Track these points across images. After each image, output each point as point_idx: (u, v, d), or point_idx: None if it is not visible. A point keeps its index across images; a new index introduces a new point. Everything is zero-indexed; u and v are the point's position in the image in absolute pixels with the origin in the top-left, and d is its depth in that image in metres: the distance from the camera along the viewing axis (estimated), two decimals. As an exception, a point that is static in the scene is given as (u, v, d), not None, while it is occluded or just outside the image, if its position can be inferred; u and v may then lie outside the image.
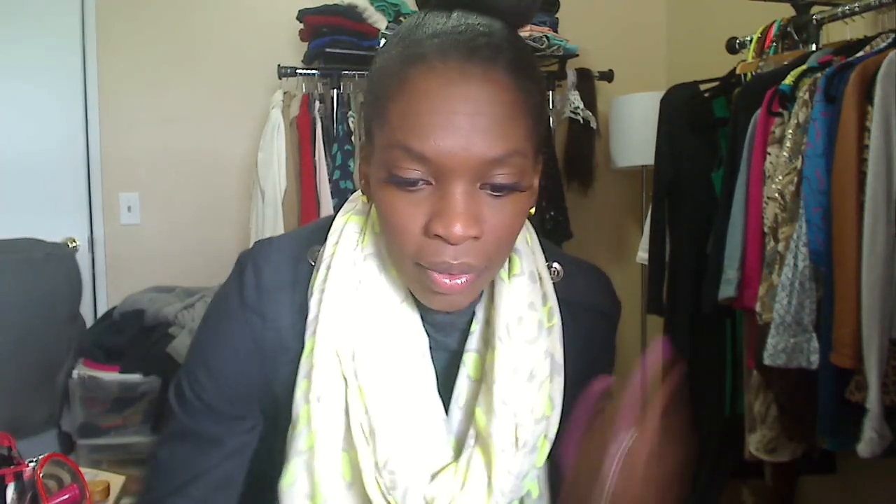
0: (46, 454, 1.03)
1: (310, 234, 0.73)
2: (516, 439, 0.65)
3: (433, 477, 0.65)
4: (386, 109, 0.59)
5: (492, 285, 0.70)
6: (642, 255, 2.39)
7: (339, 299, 0.66)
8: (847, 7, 1.78)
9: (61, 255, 2.40)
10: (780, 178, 1.66)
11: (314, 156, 2.42)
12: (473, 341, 0.70)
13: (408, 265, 0.61)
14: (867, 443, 1.47)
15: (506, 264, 0.69)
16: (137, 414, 2.34)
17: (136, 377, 2.29)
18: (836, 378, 1.56)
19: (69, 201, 2.64)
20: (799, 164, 1.62)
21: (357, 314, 0.66)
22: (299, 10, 2.55)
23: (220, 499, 0.71)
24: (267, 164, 2.43)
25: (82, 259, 2.62)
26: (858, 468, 1.86)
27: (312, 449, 0.65)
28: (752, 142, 1.77)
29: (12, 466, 0.98)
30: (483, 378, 0.68)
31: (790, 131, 1.66)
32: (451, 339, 0.71)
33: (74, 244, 2.61)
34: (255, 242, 0.75)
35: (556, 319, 0.71)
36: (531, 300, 0.69)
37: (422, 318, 0.69)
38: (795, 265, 1.60)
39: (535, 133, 0.61)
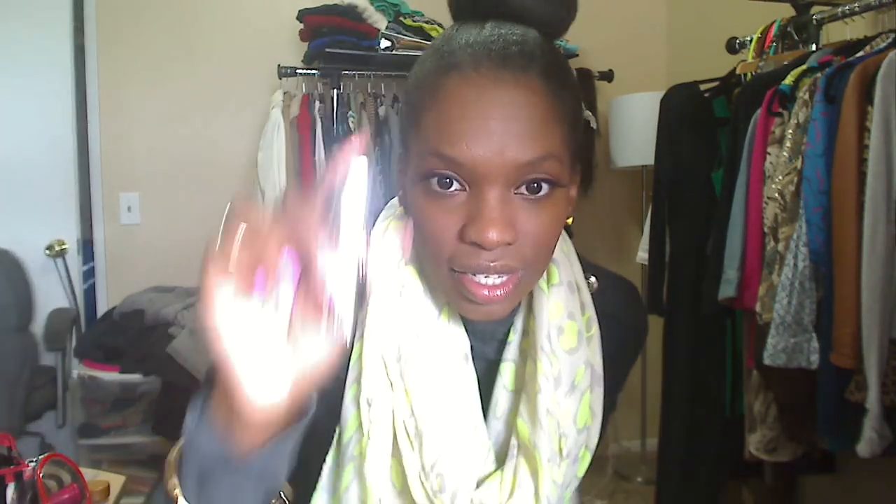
0: (46, 454, 1.03)
1: None
2: (560, 449, 0.66)
3: (478, 484, 0.66)
4: (420, 119, 0.60)
5: (530, 295, 0.69)
6: (642, 255, 2.39)
7: (384, 303, 0.66)
8: (847, 7, 1.78)
9: (3, 262, 2.35)
10: (780, 178, 1.66)
11: (314, 156, 2.43)
12: (511, 351, 0.70)
13: (443, 272, 0.61)
14: (867, 443, 1.47)
15: (544, 274, 0.69)
16: (137, 414, 2.35)
17: (136, 377, 2.29)
18: (836, 378, 1.56)
19: (58, 203, 2.61)
20: (799, 164, 1.62)
21: (401, 318, 0.66)
22: (299, 10, 2.55)
23: None
24: (267, 164, 2.43)
25: (72, 261, 2.60)
26: (858, 468, 1.86)
27: (363, 454, 0.64)
28: (752, 142, 1.77)
29: (12, 466, 0.98)
30: (524, 388, 0.67)
31: (790, 131, 1.66)
32: (488, 347, 0.71)
33: (63, 246, 2.58)
34: None
35: (595, 329, 0.71)
36: (570, 310, 0.69)
37: (464, 325, 0.69)
38: (795, 265, 1.60)
39: (570, 140, 0.61)
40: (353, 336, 0.67)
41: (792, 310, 1.60)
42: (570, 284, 0.71)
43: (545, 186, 0.59)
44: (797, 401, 1.72)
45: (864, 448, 1.48)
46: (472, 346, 0.69)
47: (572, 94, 0.62)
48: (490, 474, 0.66)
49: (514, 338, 0.70)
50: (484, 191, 0.58)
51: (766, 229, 1.69)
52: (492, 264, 0.59)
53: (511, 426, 0.67)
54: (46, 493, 0.99)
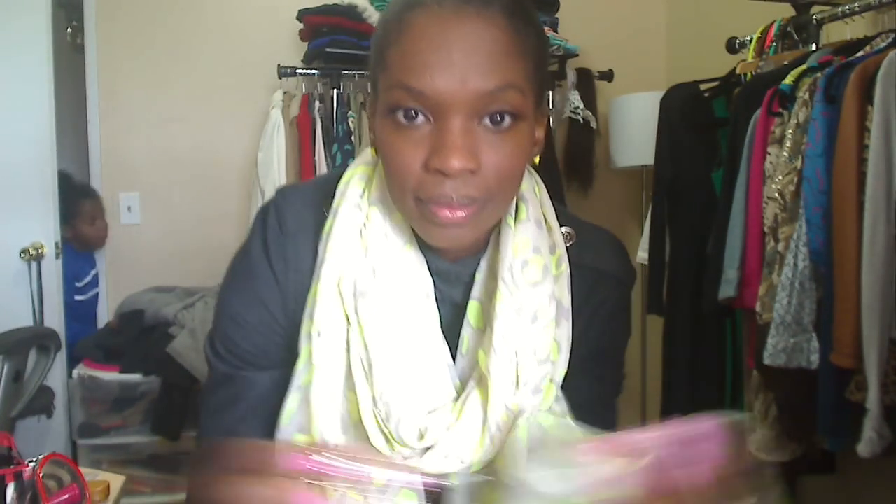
0: (46, 454, 1.03)
1: (325, 184, 0.75)
2: (517, 378, 0.67)
3: (430, 413, 0.67)
4: (386, 54, 0.62)
5: (497, 233, 0.71)
6: (642, 255, 2.39)
7: (343, 241, 0.68)
8: (847, 7, 1.78)
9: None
10: (780, 178, 1.66)
11: (314, 156, 2.42)
12: (476, 290, 0.72)
13: (409, 201, 0.63)
14: (867, 443, 1.47)
15: (513, 211, 0.71)
16: (137, 414, 2.34)
17: (135, 377, 2.29)
18: (836, 378, 1.55)
19: (37, 205, 2.50)
20: (799, 163, 1.62)
21: (360, 254, 0.68)
22: (299, 10, 2.55)
23: (266, 427, 0.72)
24: (267, 163, 2.43)
25: (49, 265, 2.50)
26: (858, 468, 1.86)
27: (310, 384, 0.67)
28: (752, 142, 1.77)
29: (12, 466, 0.98)
30: (486, 322, 0.69)
31: (790, 131, 1.66)
32: (455, 291, 0.73)
33: (40, 249, 2.49)
34: (278, 189, 0.77)
35: (565, 268, 0.72)
36: (536, 244, 0.71)
37: (428, 266, 0.71)
38: (795, 265, 1.60)
39: (534, 75, 0.63)
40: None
41: (792, 310, 1.60)
42: (538, 221, 0.72)
43: (507, 118, 0.61)
44: (797, 401, 1.72)
45: (864, 448, 1.48)
46: (439, 291, 0.71)
47: (536, 32, 0.64)
48: (443, 406, 0.69)
49: (480, 277, 0.72)
50: (447, 121, 0.59)
51: (766, 229, 1.69)
52: (454, 195, 0.60)
53: (475, 363, 0.70)
54: (46, 493, 0.99)
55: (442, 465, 0.67)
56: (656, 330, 2.29)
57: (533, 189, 0.75)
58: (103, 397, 2.31)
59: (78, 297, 2.67)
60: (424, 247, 0.71)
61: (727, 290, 1.79)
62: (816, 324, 1.60)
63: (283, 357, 0.72)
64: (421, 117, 0.61)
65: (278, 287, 0.72)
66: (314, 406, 0.66)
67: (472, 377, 0.69)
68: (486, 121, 0.61)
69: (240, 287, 0.73)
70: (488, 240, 0.73)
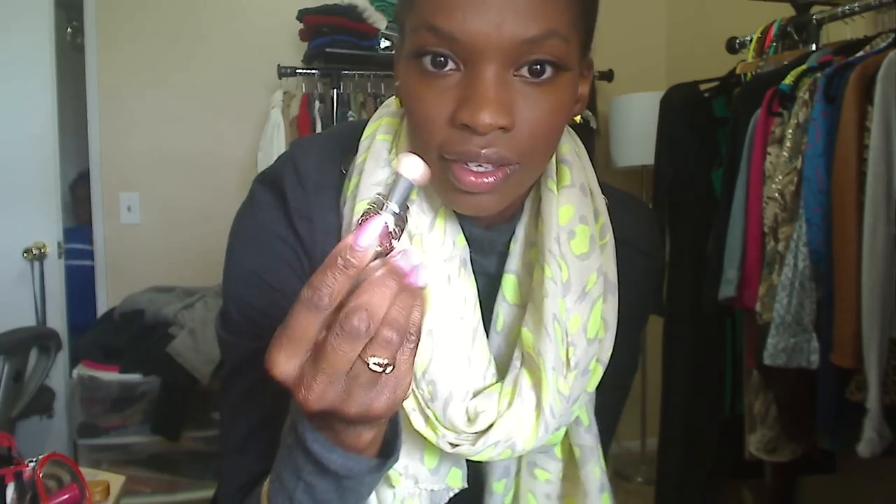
0: (47, 454, 1.03)
1: (344, 137, 0.68)
2: (567, 359, 0.61)
3: (475, 395, 0.61)
4: None
5: (538, 200, 0.65)
6: (642, 255, 2.39)
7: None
8: (847, 7, 1.78)
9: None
10: (780, 178, 1.66)
11: (314, 156, 2.42)
12: (513, 263, 0.65)
13: (433, 160, 0.55)
14: (867, 443, 1.47)
15: (554, 175, 0.64)
16: (137, 414, 2.34)
17: (135, 377, 2.29)
18: (836, 378, 1.55)
19: (40, 205, 2.54)
20: (799, 164, 1.62)
21: None
22: (299, 10, 2.55)
23: None
24: (267, 163, 2.41)
25: (51, 265, 2.55)
26: (858, 468, 1.86)
27: None
28: (752, 142, 1.77)
29: (12, 466, 0.98)
30: (531, 297, 0.63)
31: (790, 131, 1.66)
32: (489, 261, 0.66)
33: (43, 249, 2.53)
34: (293, 142, 0.70)
35: (610, 238, 0.66)
36: (583, 213, 0.64)
37: (462, 233, 0.64)
38: (795, 265, 1.60)
39: (581, 21, 0.56)
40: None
41: (792, 310, 1.60)
42: (582, 187, 0.65)
43: (548, 69, 0.54)
44: (797, 401, 1.72)
45: (864, 448, 1.48)
46: (472, 260, 0.65)
47: None
48: (489, 386, 0.62)
49: (516, 248, 0.65)
50: (479, 70, 0.52)
51: (766, 229, 1.69)
52: (483, 151, 0.54)
53: (513, 341, 0.64)
54: (46, 493, 0.99)
55: (492, 453, 0.61)
56: (656, 330, 2.29)
57: (575, 151, 0.67)
58: (103, 397, 2.31)
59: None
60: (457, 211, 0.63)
61: (727, 290, 1.79)
62: (816, 324, 1.60)
63: None
64: (450, 64, 0.53)
65: (303, 249, 0.64)
66: None
67: (516, 357, 0.63)
68: (524, 71, 0.53)
69: (255, 247, 0.65)
70: (522, 205, 0.66)
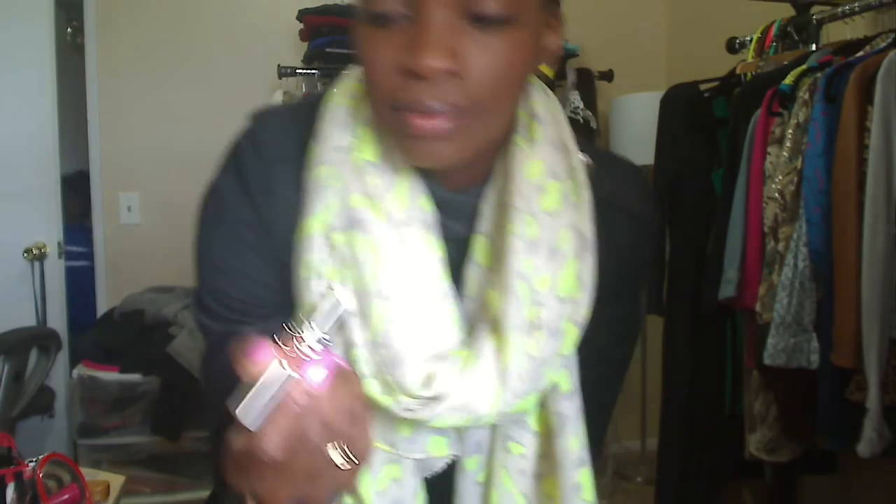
0: (47, 454, 1.03)
1: (308, 105, 0.66)
2: (534, 319, 0.59)
3: (435, 359, 0.60)
4: None
5: (507, 156, 0.63)
6: (642, 255, 2.39)
7: (331, 168, 0.61)
8: (847, 7, 1.78)
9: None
10: (780, 178, 1.66)
11: (314, 156, 2.42)
12: (483, 224, 0.64)
13: (386, 111, 0.55)
14: (867, 443, 1.47)
15: (525, 131, 0.63)
16: (137, 414, 2.34)
17: (135, 377, 2.29)
18: (836, 378, 1.55)
19: (40, 205, 2.54)
20: (799, 164, 1.62)
21: (351, 182, 0.60)
22: (299, 10, 2.55)
23: None
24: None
25: (51, 265, 2.55)
26: (858, 468, 1.86)
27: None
28: (752, 142, 1.77)
29: (12, 466, 0.98)
30: (497, 257, 0.61)
31: (790, 131, 1.66)
32: (459, 225, 0.64)
33: (43, 249, 2.53)
34: (250, 114, 0.69)
35: (586, 196, 0.63)
36: (554, 169, 0.62)
37: (434, 198, 0.63)
38: (795, 265, 1.60)
39: None
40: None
41: (792, 310, 1.60)
42: (555, 143, 0.63)
43: (496, 18, 0.52)
44: (797, 401, 1.72)
45: (864, 448, 1.48)
46: (441, 223, 0.63)
47: None
48: (452, 351, 0.61)
49: (487, 209, 0.63)
50: (424, 15, 0.52)
51: (766, 229, 1.69)
52: (431, 100, 0.53)
53: (484, 305, 0.62)
54: (46, 493, 0.99)
55: (451, 419, 0.59)
56: (656, 330, 2.29)
57: (547, 107, 0.65)
58: (103, 397, 2.31)
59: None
60: (424, 172, 0.62)
61: (727, 290, 1.79)
62: (816, 324, 1.60)
63: (280, 302, 0.63)
64: (399, 12, 0.53)
65: (263, 224, 0.63)
66: None
67: (482, 320, 0.61)
68: (474, 18, 0.52)
69: (219, 231, 0.65)
70: (492, 167, 0.64)
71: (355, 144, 0.61)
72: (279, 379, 0.45)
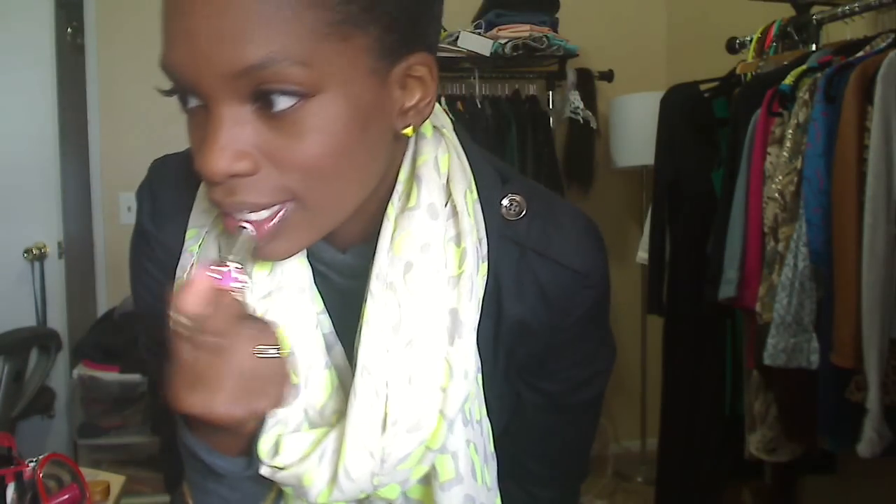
0: (47, 454, 1.03)
1: None
2: (385, 416, 0.54)
3: (293, 431, 0.57)
4: None
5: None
6: (642, 255, 2.39)
7: (197, 232, 0.59)
8: (847, 7, 1.78)
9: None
10: (780, 178, 1.66)
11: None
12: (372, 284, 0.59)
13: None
14: (867, 443, 1.47)
15: (396, 197, 0.56)
16: (137, 414, 2.35)
17: (135, 377, 2.29)
18: (836, 378, 1.56)
19: (41, 205, 2.54)
20: (799, 164, 1.62)
21: (212, 251, 0.58)
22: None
23: None
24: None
25: (51, 265, 2.54)
26: (858, 468, 1.86)
27: None
28: (752, 142, 1.77)
29: (12, 466, 0.98)
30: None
31: (790, 131, 1.66)
32: (359, 283, 0.57)
33: (43, 249, 2.53)
34: (151, 164, 0.66)
35: (471, 266, 0.55)
36: (426, 241, 0.55)
37: (310, 256, 0.59)
38: (795, 265, 1.60)
39: (328, 31, 0.45)
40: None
41: (792, 310, 1.60)
42: (430, 208, 0.55)
43: (284, 99, 0.45)
44: (797, 401, 1.72)
45: (864, 448, 1.48)
46: (339, 283, 0.60)
47: None
48: (314, 428, 0.57)
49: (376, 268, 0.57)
50: (210, 108, 0.46)
51: (766, 229, 1.69)
52: (242, 199, 0.47)
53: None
54: (46, 493, 0.99)
55: (286, 488, 0.58)
56: (656, 330, 2.29)
57: (435, 162, 0.57)
58: (103, 397, 2.31)
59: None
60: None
61: (727, 290, 1.79)
62: (816, 324, 1.60)
63: None
64: (193, 101, 0.48)
65: (164, 273, 0.62)
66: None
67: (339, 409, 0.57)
68: (261, 104, 0.46)
69: (140, 279, 0.65)
70: (381, 225, 0.57)
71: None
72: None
